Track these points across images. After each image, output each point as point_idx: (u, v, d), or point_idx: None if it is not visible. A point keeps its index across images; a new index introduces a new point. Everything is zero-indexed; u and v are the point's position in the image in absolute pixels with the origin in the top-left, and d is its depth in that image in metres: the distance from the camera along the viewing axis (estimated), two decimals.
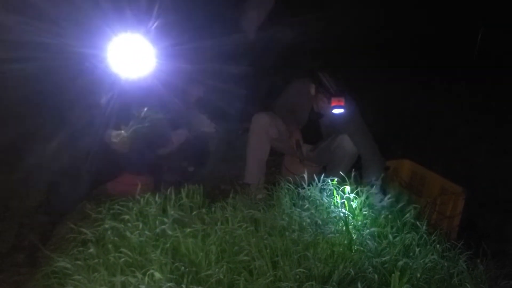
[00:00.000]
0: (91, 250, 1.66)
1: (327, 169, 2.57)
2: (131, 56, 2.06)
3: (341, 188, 2.14)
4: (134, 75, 2.12)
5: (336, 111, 2.40)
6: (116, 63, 2.04)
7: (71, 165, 2.01)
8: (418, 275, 1.66)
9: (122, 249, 1.64)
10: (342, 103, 2.36)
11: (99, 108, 2.04)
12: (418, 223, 1.96)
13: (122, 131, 2.13)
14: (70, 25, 2.03)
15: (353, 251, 1.80)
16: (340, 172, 2.22)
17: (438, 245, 1.86)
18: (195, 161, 2.52)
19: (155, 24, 2.20)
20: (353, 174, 2.20)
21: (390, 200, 2.09)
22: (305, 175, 2.19)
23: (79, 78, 1.99)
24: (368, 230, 1.90)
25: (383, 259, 1.73)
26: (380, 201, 2.11)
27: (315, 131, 2.65)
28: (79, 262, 1.59)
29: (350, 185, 2.15)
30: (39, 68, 1.88)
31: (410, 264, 1.70)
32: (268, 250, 1.68)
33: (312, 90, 2.50)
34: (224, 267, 1.60)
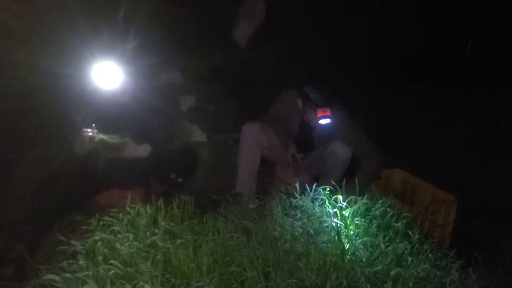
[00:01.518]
0: (80, 262, 1.63)
1: (319, 177, 2.58)
2: (107, 75, 2.13)
3: (333, 197, 2.14)
4: (109, 93, 2.17)
5: (323, 121, 2.46)
6: (92, 82, 2.10)
7: (55, 175, 2.00)
8: (411, 284, 1.65)
9: (112, 261, 1.61)
10: (328, 113, 2.42)
11: (75, 125, 2.07)
12: (410, 232, 1.96)
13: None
14: (46, 45, 2.05)
15: (346, 261, 1.79)
16: (333, 180, 2.22)
17: (430, 254, 1.86)
18: (183, 173, 2.50)
19: (132, 44, 2.25)
20: (344, 182, 2.19)
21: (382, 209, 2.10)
22: (297, 185, 2.19)
23: (56, 97, 2.01)
24: (360, 240, 1.89)
25: (376, 268, 1.72)
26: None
27: (307, 140, 2.66)
28: (68, 275, 1.56)
29: (342, 194, 2.14)
30: (16, 87, 1.89)
31: (403, 273, 1.69)
32: (260, 261, 1.67)
33: (300, 103, 2.55)
34: (216, 278, 1.58)
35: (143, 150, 2.35)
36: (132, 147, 2.30)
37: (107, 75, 2.12)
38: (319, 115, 2.43)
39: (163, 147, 2.46)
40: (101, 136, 2.19)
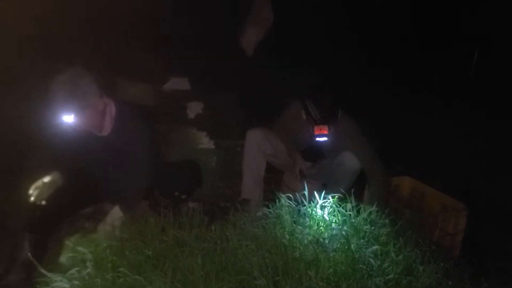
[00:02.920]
0: (89, 269, 1.62)
1: (328, 186, 2.56)
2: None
3: (342, 205, 2.12)
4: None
5: (320, 139, 2.40)
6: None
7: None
8: None
9: (121, 269, 1.61)
10: (325, 131, 2.36)
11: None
12: (420, 240, 1.94)
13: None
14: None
15: (356, 269, 1.77)
16: (341, 190, 2.20)
17: (441, 263, 1.84)
18: (186, 190, 2.49)
19: None
20: (353, 191, 2.18)
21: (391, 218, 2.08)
22: (306, 192, 2.18)
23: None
24: (370, 248, 1.87)
25: (387, 277, 1.70)
26: None
27: (315, 150, 2.64)
28: (77, 282, 1.56)
29: (351, 202, 2.13)
30: None
31: (414, 283, 1.67)
32: (269, 269, 1.65)
33: (303, 115, 2.49)
34: (225, 286, 1.57)
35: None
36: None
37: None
38: (316, 133, 2.37)
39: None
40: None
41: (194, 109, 3.39)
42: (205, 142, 2.85)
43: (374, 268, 1.76)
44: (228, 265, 1.68)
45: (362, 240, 1.95)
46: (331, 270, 1.73)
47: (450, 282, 1.75)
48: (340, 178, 2.47)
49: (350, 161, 2.45)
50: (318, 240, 1.89)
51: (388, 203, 2.40)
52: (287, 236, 1.89)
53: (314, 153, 2.65)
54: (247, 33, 4.42)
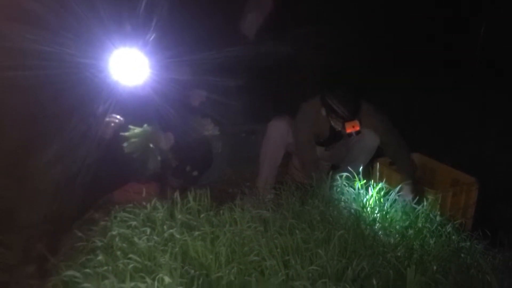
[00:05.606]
0: (99, 257, 1.63)
1: (342, 166, 2.51)
2: (129, 67, 2.10)
3: (352, 183, 2.11)
4: (131, 85, 2.15)
5: (353, 135, 2.30)
6: (114, 74, 2.07)
7: (73, 174, 2.01)
8: (435, 268, 1.61)
9: (131, 255, 1.61)
10: (358, 128, 2.24)
11: (96, 116, 2.05)
12: (431, 215, 1.92)
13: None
14: (70, 35, 2.04)
15: (366, 246, 1.76)
16: (358, 167, 2.18)
17: (453, 236, 1.82)
18: (198, 166, 2.49)
19: (153, 37, 2.23)
20: (361, 168, 2.16)
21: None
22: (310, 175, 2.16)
23: (78, 87, 1.99)
24: (380, 225, 1.86)
25: (398, 253, 1.69)
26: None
27: (334, 140, 2.57)
28: (88, 270, 1.57)
29: (361, 180, 2.11)
30: (39, 77, 1.88)
31: (426, 256, 1.66)
32: (278, 250, 1.65)
33: (323, 112, 2.38)
34: (235, 268, 1.57)
35: (168, 139, 2.33)
36: (158, 135, 2.28)
37: (129, 65, 2.10)
38: (349, 131, 2.24)
39: (182, 141, 2.44)
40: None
41: (197, 97, 3.36)
42: (209, 129, 2.83)
43: (385, 244, 1.75)
44: (237, 248, 1.68)
45: (371, 217, 1.94)
46: (341, 248, 1.72)
47: (462, 255, 1.73)
48: (358, 154, 2.42)
49: (369, 137, 2.39)
50: (327, 219, 1.88)
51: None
52: (295, 217, 1.88)
53: (331, 142, 2.60)
54: (247, 17, 4.36)
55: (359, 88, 2.41)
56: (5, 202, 2.32)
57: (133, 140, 2.18)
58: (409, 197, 2.15)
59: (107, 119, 2.14)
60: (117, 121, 2.15)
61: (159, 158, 2.22)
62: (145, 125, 2.22)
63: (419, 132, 3.40)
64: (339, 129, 2.34)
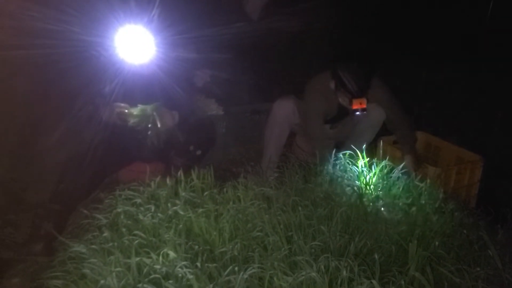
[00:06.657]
0: (105, 234, 1.66)
1: (347, 142, 2.51)
2: (134, 45, 2.08)
3: (355, 161, 2.11)
4: (137, 63, 2.14)
5: (359, 113, 2.25)
6: (120, 52, 2.06)
7: (80, 154, 2.02)
8: (437, 243, 1.62)
9: (136, 232, 1.64)
10: (364, 105, 2.19)
11: (103, 96, 2.05)
12: (434, 192, 1.92)
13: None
14: (76, 13, 2.03)
15: (369, 223, 1.77)
16: (363, 143, 2.19)
17: (456, 213, 1.82)
18: (202, 145, 2.50)
19: (158, 14, 2.21)
20: (364, 146, 2.16)
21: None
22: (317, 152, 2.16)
23: (84, 66, 1.99)
24: (382, 201, 1.86)
25: (400, 229, 1.70)
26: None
27: (341, 117, 2.55)
28: (94, 247, 1.60)
29: (364, 157, 2.11)
30: (45, 56, 1.88)
31: (428, 232, 1.66)
32: (281, 226, 1.66)
33: (332, 85, 2.33)
34: (238, 244, 1.59)
35: (173, 117, 2.33)
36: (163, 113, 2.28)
37: (135, 43, 2.09)
38: (355, 107, 2.19)
39: (187, 120, 2.44)
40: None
41: (202, 77, 3.35)
42: (214, 108, 2.83)
43: (387, 220, 1.76)
44: (241, 224, 1.70)
45: (374, 194, 1.94)
46: (344, 224, 1.73)
47: (465, 231, 1.73)
48: (364, 129, 2.41)
49: (375, 111, 2.37)
50: (330, 196, 1.89)
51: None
52: (298, 194, 1.89)
53: (337, 120, 2.59)
54: None
55: (373, 65, 2.37)
56: (13, 182, 2.36)
57: (134, 117, 2.18)
58: (409, 169, 2.15)
59: (113, 108, 2.14)
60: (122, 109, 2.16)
61: (162, 135, 2.23)
62: (146, 105, 2.22)
63: (423, 109, 3.38)
64: (346, 105, 2.31)
